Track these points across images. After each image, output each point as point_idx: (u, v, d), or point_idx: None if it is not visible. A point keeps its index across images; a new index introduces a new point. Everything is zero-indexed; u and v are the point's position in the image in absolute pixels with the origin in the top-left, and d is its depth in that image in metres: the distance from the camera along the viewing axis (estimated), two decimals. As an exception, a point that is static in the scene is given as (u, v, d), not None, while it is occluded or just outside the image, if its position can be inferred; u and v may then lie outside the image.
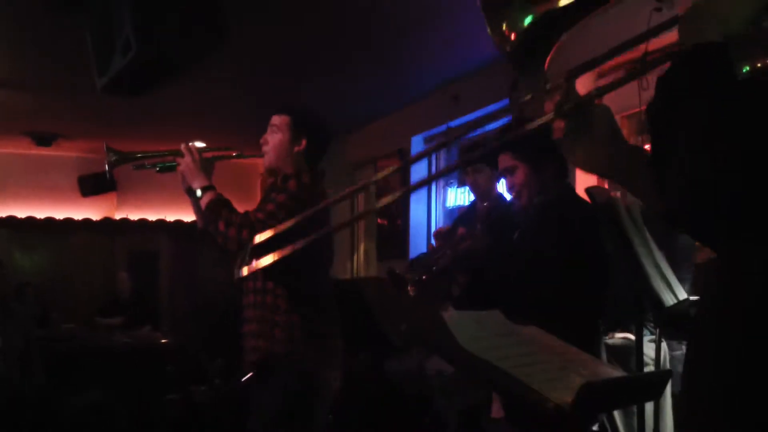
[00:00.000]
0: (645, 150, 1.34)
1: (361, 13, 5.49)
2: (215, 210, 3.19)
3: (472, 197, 4.89)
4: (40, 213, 10.79)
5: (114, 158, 3.46)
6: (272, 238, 3.11)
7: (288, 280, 3.28)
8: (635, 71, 1.43)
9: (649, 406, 2.93)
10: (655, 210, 1.27)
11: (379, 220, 8.58)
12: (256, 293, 3.33)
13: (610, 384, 1.81)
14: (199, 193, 3.27)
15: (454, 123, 7.00)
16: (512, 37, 1.29)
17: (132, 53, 4.25)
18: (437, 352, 2.07)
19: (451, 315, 1.75)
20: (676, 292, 2.61)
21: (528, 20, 1.29)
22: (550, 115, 1.41)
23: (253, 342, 3.29)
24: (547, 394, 1.62)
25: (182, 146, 3.35)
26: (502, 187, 4.48)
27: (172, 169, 3.42)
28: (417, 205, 7.97)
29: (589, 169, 1.55)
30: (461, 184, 7.30)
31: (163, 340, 7.98)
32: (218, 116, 8.53)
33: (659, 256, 2.60)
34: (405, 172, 8.04)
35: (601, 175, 1.68)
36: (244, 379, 3.30)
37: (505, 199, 4.48)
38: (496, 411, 2.74)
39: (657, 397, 2.76)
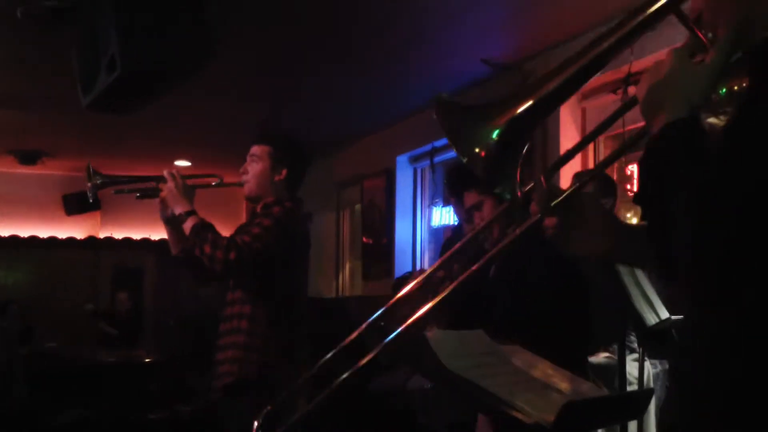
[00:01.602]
0: (638, 225, 1.35)
1: (347, 32, 5.52)
2: (200, 233, 3.19)
3: (456, 218, 4.90)
4: (24, 231, 10.75)
5: (99, 181, 3.47)
6: (257, 259, 3.18)
7: (268, 305, 3.30)
8: (625, 145, 1.46)
9: (632, 425, 2.94)
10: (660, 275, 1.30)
11: (364, 239, 8.58)
12: (232, 319, 3.33)
13: (593, 403, 1.81)
14: (182, 217, 3.27)
15: (439, 143, 7.03)
16: (483, 154, 1.32)
17: (117, 72, 4.24)
18: (420, 371, 2.07)
19: (434, 334, 1.76)
20: (658, 311, 2.63)
21: (495, 134, 1.31)
22: (537, 216, 1.43)
23: (227, 367, 3.28)
24: (528, 412, 1.63)
25: (165, 172, 3.36)
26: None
27: (152, 195, 3.43)
28: (402, 224, 7.98)
29: (589, 256, 1.58)
30: (446, 203, 7.32)
31: (147, 359, 7.94)
32: (203, 135, 8.53)
33: (641, 275, 2.61)
34: (390, 191, 8.06)
35: (601, 258, 1.70)
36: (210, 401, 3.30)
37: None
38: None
39: (640, 415, 2.76)
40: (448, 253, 1.52)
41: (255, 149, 3.47)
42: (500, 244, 1.38)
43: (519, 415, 1.61)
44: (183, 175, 3.39)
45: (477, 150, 1.31)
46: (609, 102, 5.23)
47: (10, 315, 8.74)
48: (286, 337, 3.30)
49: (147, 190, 3.45)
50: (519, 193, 1.34)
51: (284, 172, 3.44)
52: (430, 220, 7.87)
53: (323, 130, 8.05)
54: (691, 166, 1.16)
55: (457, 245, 1.60)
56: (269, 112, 7.28)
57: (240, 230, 3.37)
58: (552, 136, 5.57)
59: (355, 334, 1.53)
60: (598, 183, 3.78)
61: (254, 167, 3.44)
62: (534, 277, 2.65)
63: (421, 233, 7.97)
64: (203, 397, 7.11)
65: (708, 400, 1.18)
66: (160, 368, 7.78)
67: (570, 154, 1.66)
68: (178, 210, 3.29)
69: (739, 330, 1.15)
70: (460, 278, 1.39)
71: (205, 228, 3.22)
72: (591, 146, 5.53)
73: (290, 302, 3.39)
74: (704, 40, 1.28)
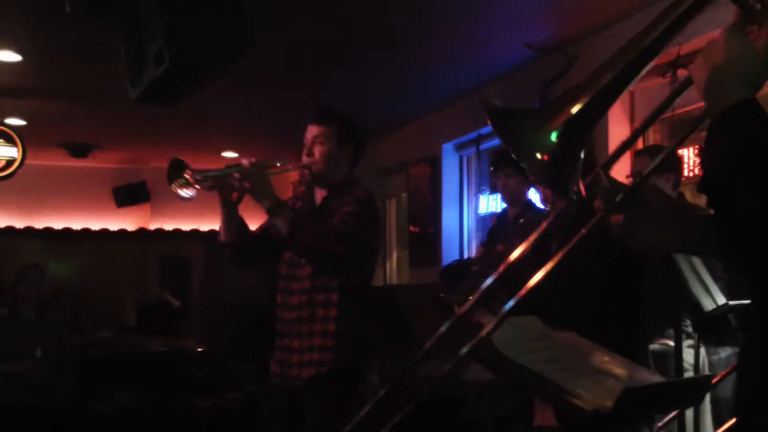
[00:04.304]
0: (706, 213, 1.31)
1: (388, 19, 5.51)
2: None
3: (503, 204, 4.88)
4: (77, 224, 10.93)
5: (198, 177, 3.20)
6: (351, 246, 3.12)
7: (355, 292, 3.27)
8: (690, 130, 1.41)
9: (689, 412, 2.89)
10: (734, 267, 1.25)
11: (411, 228, 8.57)
12: (317, 306, 3.25)
13: (651, 389, 1.79)
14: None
15: (484, 130, 6.99)
16: (545, 158, 1.29)
17: (165, 65, 4.28)
18: (474, 358, 2.05)
19: (488, 320, 1.74)
20: (714, 297, 2.58)
21: (554, 136, 1.28)
22: (600, 214, 1.39)
23: (315, 355, 3.22)
24: (586, 399, 1.61)
25: (247, 162, 3.19)
26: (532, 193, 4.47)
27: (235, 189, 3.25)
28: (449, 212, 7.96)
29: (660, 252, 1.53)
30: (493, 190, 7.28)
31: (197, 348, 8.03)
32: (250, 126, 8.59)
33: (697, 260, 2.57)
34: (435, 179, 8.04)
35: (668, 251, 1.65)
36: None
37: (535, 205, 4.46)
38: (540, 419, 2.72)
39: (698, 402, 2.72)
40: (535, 233, 1.45)
41: (319, 129, 3.34)
42: (566, 247, 1.34)
43: (576, 402, 1.59)
44: (262, 164, 3.23)
45: (539, 155, 1.29)
46: (657, 85, 5.14)
47: (61, 306, 8.88)
48: (366, 326, 3.27)
49: (227, 183, 3.26)
50: (584, 192, 1.30)
51: (351, 151, 3.39)
52: (476, 208, 7.83)
53: (367, 119, 8.03)
54: (764, 145, 1.13)
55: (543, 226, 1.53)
56: (313, 101, 7.28)
57: (324, 216, 3.26)
58: (600, 121, 5.50)
59: (432, 341, 1.50)
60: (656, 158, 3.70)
61: (321, 148, 3.32)
62: (589, 263, 2.62)
63: (468, 221, 7.94)
64: (253, 384, 7.17)
65: None
66: (208, 357, 7.85)
67: (626, 145, 1.62)
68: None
69: None
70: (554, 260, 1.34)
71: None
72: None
73: (369, 289, 3.37)
74: (754, 11, 1.24)
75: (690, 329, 3.31)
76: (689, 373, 3.15)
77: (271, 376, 3.42)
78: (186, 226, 11.16)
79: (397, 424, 1.49)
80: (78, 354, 6.62)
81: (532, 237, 1.40)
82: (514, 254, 1.40)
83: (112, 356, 7.33)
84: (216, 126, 8.58)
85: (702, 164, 1.21)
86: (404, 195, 8.90)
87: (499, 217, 4.90)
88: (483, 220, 7.68)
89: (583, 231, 1.33)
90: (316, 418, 3.19)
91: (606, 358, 1.87)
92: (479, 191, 7.79)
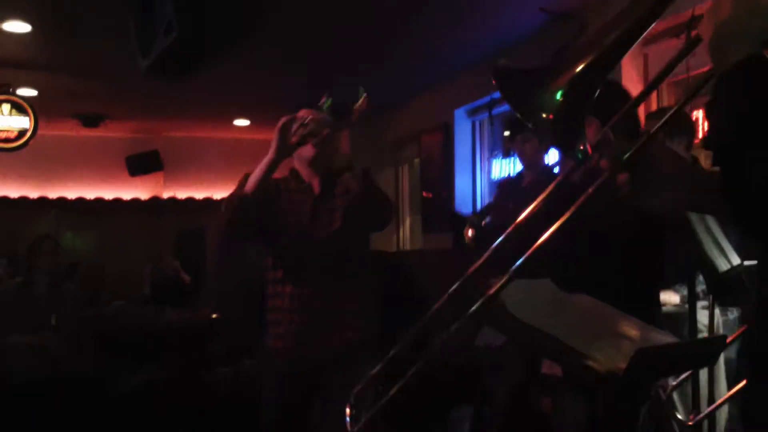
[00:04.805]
0: (716, 171, 1.29)
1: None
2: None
3: (519, 167, 4.86)
4: (90, 193, 10.96)
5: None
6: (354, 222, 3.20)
7: (367, 265, 3.33)
8: (697, 87, 1.38)
9: (703, 373, 2.89)
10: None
11: (423, 193, 8.56)
12: (325, 281, 3.23)
13: (665, 350, 1.79)
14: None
15: (497, 94, 6.94)
16: (551, 117, 1.27)
17: (174, 35, 4.28)
18: (488, 321, 2.06)
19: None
20: (729, 258, 2.56)
21: (559, 95, 1.27)
22: (606, 173, 1.36)
23: (338, 324, 3.22)
24: (600, 360, 1.61)
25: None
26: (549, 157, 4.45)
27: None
28: (462, 178, 7.94)
29: (671, 213, 1.50)
30: (506, 154, 7.26)
31: (213, 314, 8.07)
32: (262, 95, 8.55)
33: (711, 220, 2.55)
34: (448, 145, 8.02)
35: (679, 212, 1.62)
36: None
37: (552, 169, 4.45)
38: (547, 367, 2.70)
39: (713, 362, 2.72)
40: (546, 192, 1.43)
41: (320, 115, 3.27)
42: (573, 207, 1.32)
43: (590, 363, 1.59)
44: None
45: (543, 114, 1.28)
46: (672, 47, 5.08)
47: (76, 277, 8.91)
48: (385, 296, 3.44)
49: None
50: (590, 150, 1.29)
51: (340, 137, 3.47)
52: (489, 172, 7.81)
53: (380, 86, 8.01)
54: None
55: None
56: (327, 70, 7.25)
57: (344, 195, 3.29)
58: (606, 79, 5.46)
59: (451, 289, 1.50)
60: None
61: (325, 135, 3.26)
62: (604, 222, 2.60)
63: (481, 186, 7.92)
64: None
65: None
66: (223, 325, 7.89)
67: (634, 104, 1.61)
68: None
69: None
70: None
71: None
72: (654, 94, 5.40)
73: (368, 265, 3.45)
74: None
75: (703, 290, 3.31)
76: (703, 334, 3.14)
77: (275, 355, 3.37)
78: (199, 194, 11.18)
79: (410, 387, 1.50)
80: (95, 326, 6.64)
81: (541, 197, 1.40)
82: (524, 214, 1.39)
83: (129, 328, 7.38)
84: (228, 95, 8.56)
85: (708, 120, 1.20)
86: (416, 160, 8.88)
87: (513, 178, 4.88)
88: (496, 185, 7.67)
89: (590, 190, 1.32)
90: (340, 389, 3.17)
91: (620, 320, 1.87)
92: (492, 156, 7.76)
